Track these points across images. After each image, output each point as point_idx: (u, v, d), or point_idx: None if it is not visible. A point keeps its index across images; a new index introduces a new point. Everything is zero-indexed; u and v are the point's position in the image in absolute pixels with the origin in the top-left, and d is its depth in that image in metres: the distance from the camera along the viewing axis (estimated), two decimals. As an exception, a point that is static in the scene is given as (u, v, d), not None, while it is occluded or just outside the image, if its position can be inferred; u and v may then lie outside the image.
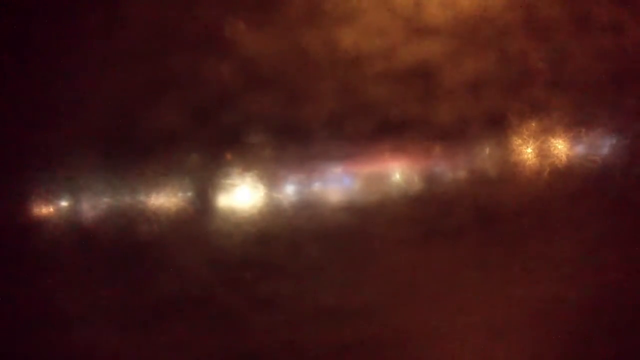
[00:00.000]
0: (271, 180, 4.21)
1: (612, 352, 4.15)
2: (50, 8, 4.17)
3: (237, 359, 4.20)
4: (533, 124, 4.17)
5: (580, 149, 4.22)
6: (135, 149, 4.23)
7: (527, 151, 4.18)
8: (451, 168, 4.21)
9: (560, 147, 4.21)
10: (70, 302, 4.14)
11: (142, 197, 4.27)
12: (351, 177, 4.23)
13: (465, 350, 4.20)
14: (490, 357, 4.20)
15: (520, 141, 4.18)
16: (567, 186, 4.18)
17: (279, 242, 4.16)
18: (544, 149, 4.19)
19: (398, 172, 4.21)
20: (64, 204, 4.30)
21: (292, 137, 4.15)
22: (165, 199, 4.26)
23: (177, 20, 4.16)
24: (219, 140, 4.20)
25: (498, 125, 4.17)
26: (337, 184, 4.25)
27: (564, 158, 4.21)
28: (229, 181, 4.23)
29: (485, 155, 4.18)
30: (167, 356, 4.19)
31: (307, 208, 4.19)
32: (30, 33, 4.16)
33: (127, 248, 4.19)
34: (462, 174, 4.20)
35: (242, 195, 4.24)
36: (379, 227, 4.18)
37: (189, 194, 4.24)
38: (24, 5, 4.16)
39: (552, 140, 4.20)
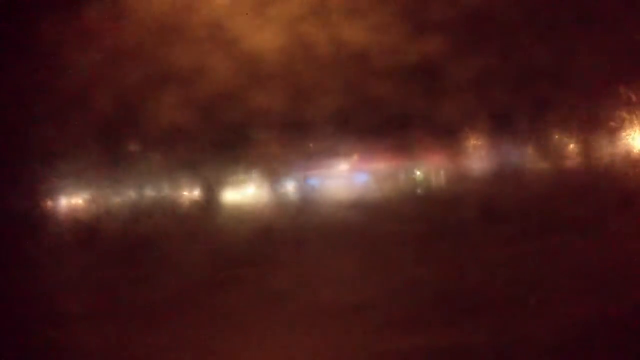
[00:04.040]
0: (276, 176, 4.22)
1: (616, 350, 4.15)
2: (54, 3, 4.18)
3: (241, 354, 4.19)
4: (537, 122, 4.18)
5: (585, 147, 4.23)
6: (140, 145, 4.24)
7: (531, 148, 4.19)
8: (455, 164, 4.22)
9: (565, 145, 4.22)
10: (74, 297, 4.13)
11: (146, 193, 4.27)
12: (356, 173, 4.24)
13: (467, 347, 4.20)
14: (493, 353, 4.19)
15: (525, 138, 4.18)
16: (572, 184, 4.19)
17: (283, 238, 4.16)
18: (548, 146, 4.20)
19: (403, 168, 4.21)
20: (68, 198, 4.31)
21: (297, 134, 4.16)
22: (170, 195, 4.27)
23: (181, 16, 4.17)
24: (224, 136, 4.20)
25: (502, 123, 4.18)
26: (341, 180, 4.26)
27: (568, 155, 4.22)
28: (234, 177, 4.24)
29: (490, 152, 4.19)
30: (169, 352, 4.18)
31: (312, 204, 4.20)
32: (34, 27, 4.16)
33: (131, 243, 4.19)
34: (465, 170, 4.21)
35: (247, 191, 4.25)
36: (383, 223, 4.18)
37: (194, 189, 4.25)
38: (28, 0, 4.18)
39: (557, 137, 4.21)
